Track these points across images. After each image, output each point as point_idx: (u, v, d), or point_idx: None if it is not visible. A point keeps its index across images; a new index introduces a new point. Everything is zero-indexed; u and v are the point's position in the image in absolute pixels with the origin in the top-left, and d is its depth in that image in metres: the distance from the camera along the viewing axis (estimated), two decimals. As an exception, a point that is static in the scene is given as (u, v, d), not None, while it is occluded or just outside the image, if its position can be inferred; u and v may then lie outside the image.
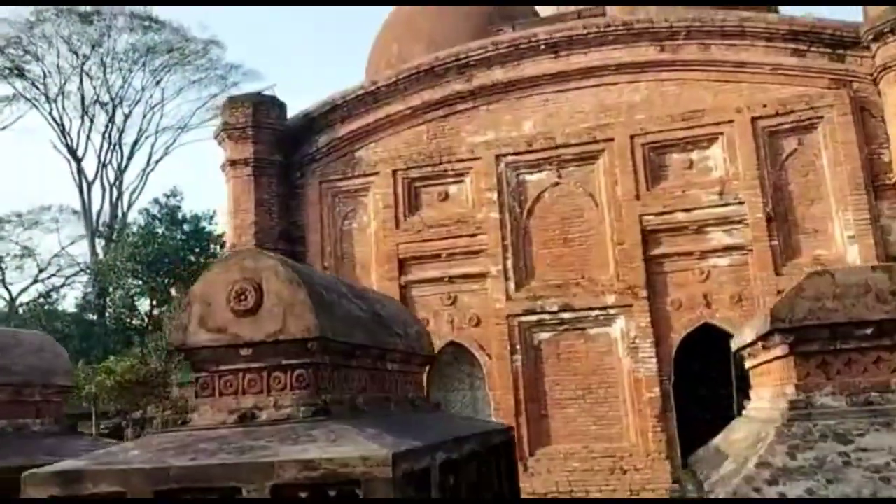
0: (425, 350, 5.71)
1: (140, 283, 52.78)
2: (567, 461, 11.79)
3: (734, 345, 5.08)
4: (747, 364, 4.86)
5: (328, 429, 3.51)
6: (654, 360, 11.75)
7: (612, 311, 12.14)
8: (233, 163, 13.83)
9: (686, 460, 5.59)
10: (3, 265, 38.38)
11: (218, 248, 56.86)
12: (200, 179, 60.20)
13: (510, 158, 12.95)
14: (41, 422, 5.92)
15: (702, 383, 12.37)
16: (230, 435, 3.51)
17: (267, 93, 14.67)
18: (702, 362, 12.30)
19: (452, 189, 13.43)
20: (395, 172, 13.57)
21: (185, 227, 48.24)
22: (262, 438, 3.40)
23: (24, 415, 5.77)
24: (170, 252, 51.35)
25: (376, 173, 13.71)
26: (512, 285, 12.60)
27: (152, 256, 52.06)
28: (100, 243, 46.56)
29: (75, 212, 41.11)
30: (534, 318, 12.43)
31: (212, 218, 47.94)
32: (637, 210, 12.23)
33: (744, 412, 5.37)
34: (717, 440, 4.91)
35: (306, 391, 3.68)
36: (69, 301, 46.56)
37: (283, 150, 14.13)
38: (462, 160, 13.21)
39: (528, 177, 12.99)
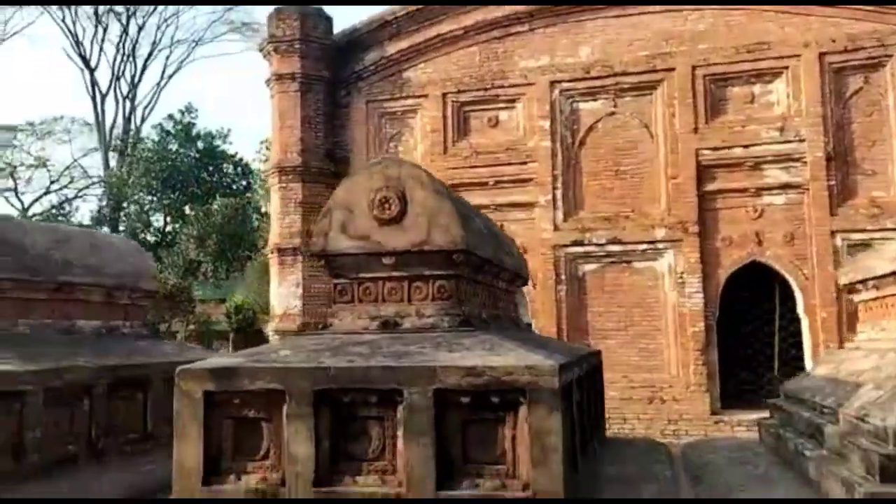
0: (523, 271, 5.71)
1: (154, 199, 52.97)
2: (606, 391, 11.94)
3: (844, 278, 5.03)
4: (859, 298, 4.83)
5: (478, 339, 3.52)
6: (701, 296, 11.77)
7: (660, 246, 12.09)
8: (279, 77, 13.56)
9: (782, 388, 5.62)
10: (17, 175, 38.44)
11: (231, 167, 56.68)
12: (215, 97, 59.32)
13: (565, 85, 12.66)
14: (129, 324, 5.98)
15: (745, 321, 12.41)
16: (377, 340, 3.52)
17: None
18: (748, 300, 12.32)
19: (503, 115, 13.19)
20: (444, 95, 13.31)
21: (199, 144, 47.97)
22: (412, 345, 3.41)
23: (114, 317, 5.83)
24: (184, 169, 51.34)
25: (425, 95, 13.45)
26: (560, 215, 12.52)
27: (167, 173, 52.08)
28: (113, 157, 46.46)
29: (87, 123, 40.85)
30: (580, 249, 12.40)
31: (226, 137, 47.46)
32: (694, 144, 12.02)
33: (850, 345, 5.36)
34: (820, 371, 4.93)
35: (448, 302, 3.67)
36: (82, 214, 46.73)
37: (330, 67, 13.83)
38: (514, 85, 12.93)
39: (582, 105, 12.73)
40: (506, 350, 3.38)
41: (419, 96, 13.50)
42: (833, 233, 11.42)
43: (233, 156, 55.47)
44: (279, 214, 13.43)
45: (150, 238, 50.25)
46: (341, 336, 3.62)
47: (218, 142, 46.02)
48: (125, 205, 49.41)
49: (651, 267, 12.19)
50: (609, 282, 12.35)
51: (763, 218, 11.78)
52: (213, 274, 38.07)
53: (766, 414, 11.08)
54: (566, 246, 12.43)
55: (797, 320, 11.90)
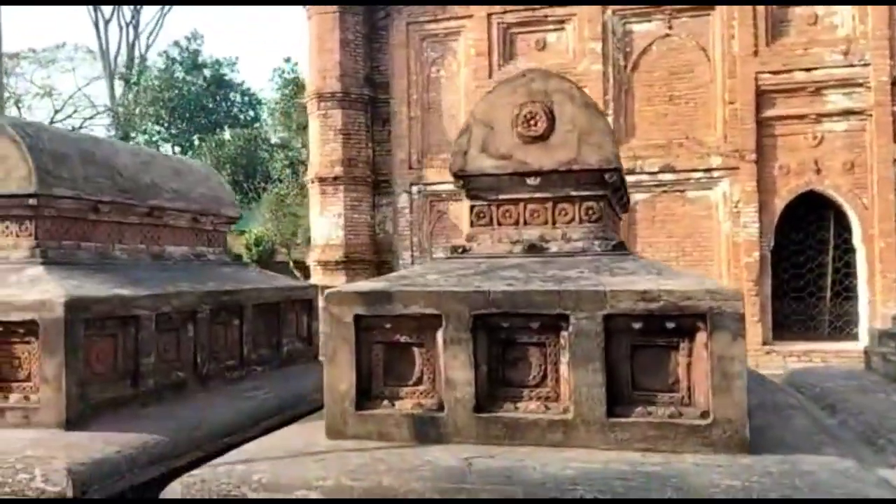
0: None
1: (162, 129, 52.35)
2: (655, 320, 11.89)
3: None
4: None
5: (639, 263, 3.36)
6: (756, 225, 11.54)
7: (715, 174, 11.79)
8: (317, -2, 13.03)
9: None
10: (21, 104, 37.95)
11: (239, 96, 55.71)
12: (221, 24, 57.73)
13: (617, 6, 12.10)
14: (213, 251, 5.85)
15: (798, 251, 12.21)
16: (526, 264, 3.36)
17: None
18: (801, 230, 12.09)
19: (551, 37, 12.69)
20: (489, 16, 12.78)
21: (206, 73, 46.95)
22: (568, 269, 3.25)
23: (199, 243, 5.69)
24: (191, 98, 50.46)
25: (469, 16, 12.92)
26: (610, 143, 12.17)
27: (174, 102, 51.28)
28: (119, 85, 45.67)
29: (90, 51, 40.04)
30: (631, 178, 12.03)
31: (233, 65, 46.37)
32: (753, 67, 11.55)
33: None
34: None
35: (597, 225, 3.49)
36: None
37: (368, -13, 13.27)
38: (564, 5, 12.37)
39: (635, 27, 12.21)
40: (674, 275, 3.22)
41: (463, 17, 12.97)
42: (895, 161, 11.09)
43: (240, 84, 54.49)
44: (319, 143, 13.13)
45: None
46: (484, 260, 3.46)
47: (225, 70, 45.13)
48: (133, 135, 48.96)
49: (705, 196, 11.93)
50: (660, 212, 12.12)
51: (823, 145, 11.42)
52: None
53: (819, 345, 11.10)
54: (616, 174, 12.13)
55: (851, 251, 11.70)
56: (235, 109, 51.63)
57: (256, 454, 3.08)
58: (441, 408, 3.14)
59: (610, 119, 11.97)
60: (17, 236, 4.20)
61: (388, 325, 3.21)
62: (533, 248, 3.45)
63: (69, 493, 2.91)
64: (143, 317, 4.15)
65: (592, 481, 2.59)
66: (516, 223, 3.56)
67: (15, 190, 4.08)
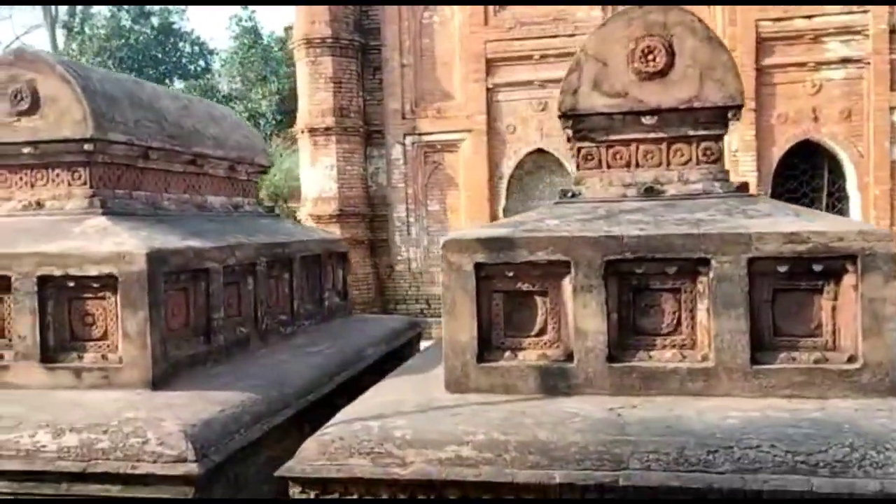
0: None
1: None
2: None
3: None
4: None
5: (771, 205, 3.25)
6: (755, 174, 11.62)
7: (714, 123, 11.75)
8: (302, -62, 12.37)
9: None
10: (-54, 56, 36.12)
11: (188, 45, 53.74)
12: (180, -31, 55.22)
13: (616, -46, 11.82)
14: (248, 201, 5.56)
15: (795, 199, 12.35)
16: (648, 208, 3.23)
17: None
18: (796, 178, 12.23)
19: (549, -19, 12.35)
20: (484, -42, 12.36)
21: (154, 21, 45.06)
22: (697, 212, 3.12)
23: (235, 193, 5.39)
24: (139, 48, 48.46)
25: (463, -42, 12.47)
26: (610, 91, 12.02)
27: (122, 52, 49.26)
28: (61, 34, 43.50)
29: None
30: (631, 126, 12.01)
31: (183, 12, 44.60)
32: (753, 14, 11.46)
33: None
34: None
35: (716, 166, 3.37)
36: None
37: (356, -74, 12.66)
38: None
39: (635, -28, 11.95)
40: (816, 216, 3.12)
41: (456, -41, 12.52)
42: (892, 108, 11.22)
43: (189, 33, 52.40)
44: (308, 91, 12.64)
45: None
46: (600, 204, 3.31)
47: (174, 18, 43.47)
48: None
49: (703, 145, 11.90)
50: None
51: (821, 94, 11.48)
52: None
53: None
54: (615, 124, 12.02)
55: (845, 198, 11.90)
56: (185, 60, 49.73)
57: (380, 410, 2.91)
58: (569, 358, 3.01)
59: (609, 67, 11.81)
60: (69, 185, 3.86)
61: (510, 273, 3.05)
62: (650, 191, 3.30)
63: (190, 456, 2.71)
64: (213, 270, 3.89)
65: (761, 430, 2.51)
66: (627, 165, 3.40)
67: (68, 134, 3.74)
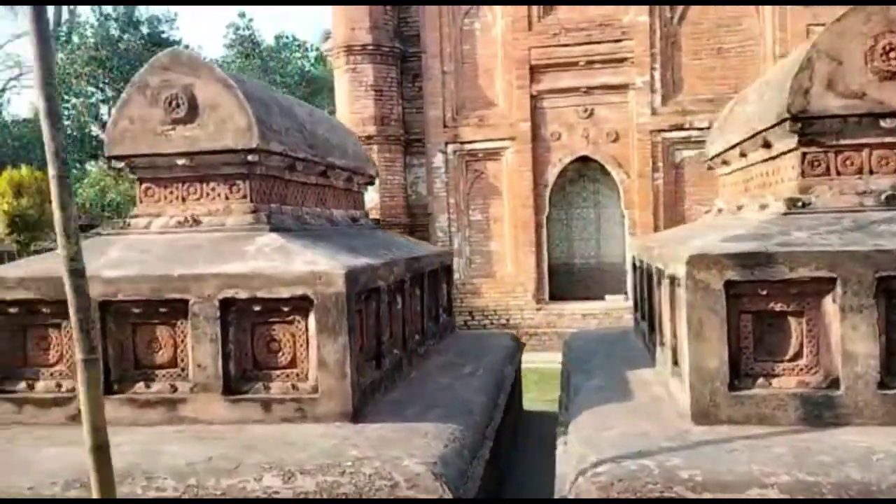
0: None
1: (98, 91, 49.65)
2: (705, 278, 11.77)
3: None
4: None
5: None
6: (807, 181, 11.44)
7: (765, 129, 11.60)
8: (342, -56, 12.11)
9: None
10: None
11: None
12: (175, -22, 54.86)
13: (659, -39, 11.66)
14: (360, 213, 5.26)
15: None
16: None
17: None
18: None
19: (594, -13, 12.16)
20: (527, -36, 12.15)
21: (144, 29, 44.63)
22: (957, 222, 2.86)
23: (349, 205, 5.10)
24: (130, 58, 47.86)
25: (505, -35, 12.26)
26: (658, 98, 11.83)
27: (113, 62, 48.60)
28: None
29: (12, 6, 37.52)
30: (680, 134, 11.82)
31: (173, 21, 44.37)
32: (805, 20, 11.32)
33: None
34: None
35: (959, 172, 3.10)
36: (16, 106, 44.02)
37: (395, -67, 12.42)
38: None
39: (683, -23, 11.79)
40: None
41: (498, -34, 12.31)
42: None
43: (178, 42, 51.97)
44: (348, 99, 12.35)
45: (97, 132, 47.63)
46: (838, 214, 3.05)
47: (164, 27, 43.23)
48: (68, 96, 46.21)
49: (753, 152, 11.74)
50: (708, 169, 11.87)
51: (873, 99, 11.35)
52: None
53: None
54: (664, 131, 11.82)
55: None
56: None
57: (634, 445, 2.63)
58: (833, 385, 2.75)
59: (657, 74, 11.67)
60: (227, 199, 3.56)
61: (762, 292, 2.78)
62: (891, 200, 3.05)
63: (447, 496, 2.42)
64: (382, 289, 3.60)
65: None
66: (859, 172, 3.15)
67: (230, 144, 3.44)
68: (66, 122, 49.78)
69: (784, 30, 11.45)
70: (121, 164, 3.54)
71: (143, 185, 3.60)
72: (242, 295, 3.04)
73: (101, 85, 48.80)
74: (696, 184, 11.98)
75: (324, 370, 3.01)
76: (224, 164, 3.51)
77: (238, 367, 3.11)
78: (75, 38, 41.87)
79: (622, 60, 11.98)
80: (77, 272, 2.12)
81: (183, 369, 3.16)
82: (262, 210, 3.54)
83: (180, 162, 3.49)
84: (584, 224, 12.84)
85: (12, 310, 3.20)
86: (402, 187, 12.72)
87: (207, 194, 3.57)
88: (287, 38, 48.96)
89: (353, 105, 12.30)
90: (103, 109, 49.56)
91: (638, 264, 4.95)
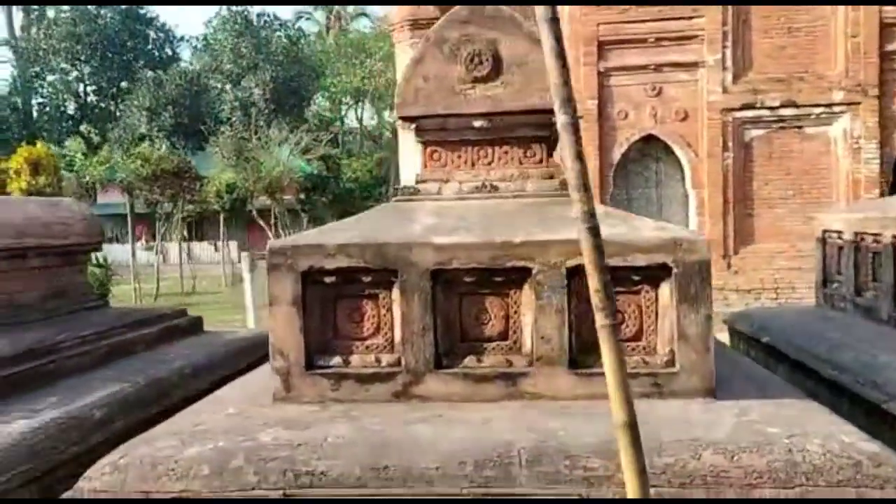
0: None
1: (73, 68, 48.24)
2: (773, 259, 11.81)
3: None
4: None
5: None
6: (877, 162, 11.49)
7: (836, 109, 11.61)
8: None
9: None
10: None
11: (153, 31, 51.97)
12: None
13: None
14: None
15: (910, 187, 12.29)
16: None
17: None
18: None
19: (665, -36, 12.00)
20: (596, -61, 11.95)
21: (121, 6, 43.59)
22: None
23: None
24: (109, 34, 46.73)
25: (574, -62, 12.04)
26: (729, 77, 11.77)
27: (92, 38, 47.35)
28: (18, 17, 41.73)
29: None
30: (750, 113, 11.78)
31: (147, -3, 43.21)
32: (878, -1, 11.31)
33: None
34: None
35: None
36: None
37: None
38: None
39: (756, -46, 11.69)
40: None
41: (566, -62, 12.07)
42: None
43: (154, 19, 50.62)
44: (413, 74, 12.06)
45: (71, 110, 46.47)
46: None
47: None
48: (43, 74, 44.97)
49: (824, 132, 11.75)
50: (777, 148, 11.88)
51: None
52: (169, 149, 35.78)
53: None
54: (734, 110, 11.78)
55: None
56: (150, 47, 48.28)
57: None
58: None
59: (728, 52, 11.58)
60: (521, 163, 3.36)
61: None
62: None
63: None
64: (680, 259, 3.42)
65: None
66: None
67: (537, 103, 3.23)
68: (43, 100, 48.28)
69: (856, 9, 11.42)
70: (411, 126, 3.30)
71: (429, 149, 3.38)
72: (592, 263, 2.84)
73: (77, 61, 47.38)
74: (764, 164, 11.96)
75: (684, 343, 2.84)
76: (522, 126, 3.31)
77: (579, 340, 2.93)
78: (51, 13, 40.55)
79: (692, 38, 11.87)
80: (594, 230, 1.93)
81: (515, 342, 2.97)
82: (558, 175, 3.34)
83: (477, 123, 3.27)
84: (645, 204, 12.78)
85: (328, 279, 2.98)
86: (464, 165, 12.49)
87: (500, 158, 3.36)
88: (268, 17, 47.65)
89: (417, 80, 11.98)
90: (80, 87, 48.09)
91: (854, 237, 4.85)
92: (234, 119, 39.42)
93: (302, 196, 36.95)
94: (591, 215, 1.93)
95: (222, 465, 2.46)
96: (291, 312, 2.96)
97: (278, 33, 46.94)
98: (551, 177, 3.34)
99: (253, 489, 2.41)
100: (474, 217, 3.11)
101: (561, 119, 1.92)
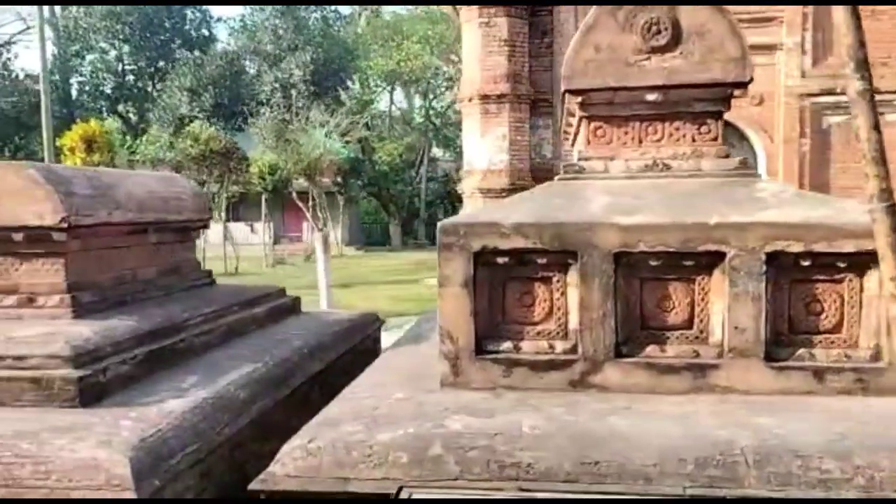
0: None
1: (113, 48, 48.55)
2: (849, 250, 11.40)
3: None
4: None
5: None
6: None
7: (921, 96, 11.12)
8: None
9: None
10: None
11: (189, 12, 51.93)
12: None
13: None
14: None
15: None
16: None
17: None
18: None
19: (744, -58, 11.58)
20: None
21: None
22: None
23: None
24: (147, 13, 46.75)
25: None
26: (808, 61, 11.34)
27: (133, 17, 47.47)
28: None
29: None
30: (830, 99, 11.34)
31: (193, -19, 43.33)
32: (971, -19, 10.79)
33: None
34: None
35: None
36: (25, 62, 43.55)
37: None
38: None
39: (842, -68, 11.20)
40: None
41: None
42: None
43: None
44: (480, 55, 11.83)
45: (109, 90, 46.89)
46: None
47: None
48: (79, 50, 45.37)
49: (906, 119, 11.29)
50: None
51: None
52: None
53: None
54: (814, 95, 11.36)
55: None
56: (188, 27, 48.53)
57: None
58: None
59: (808, 35, 11.14)
60: (693, 140, 3.16)
61: None
62: None
63: None
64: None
65: None
66: None
67: (718, 76, 3.03)
68: (82, 78, 48.62)
69: (947, -9, 10.88)
70: (578, 99, 3.11)
71: (593, 125, 3.19)
72: (794, 248, 2.64)
73: (116, 40, 47.72)
74: (842, 151, 11.54)
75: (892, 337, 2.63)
76: (698, 101, 3.10)
77: (774, 331, 2.74)
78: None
79: (770, 20, 11.46)
80: (892, 209, 1.73)
81: (701, 331, 2.79)
82: (732, 155, 3.14)
83: (650, 97, 3.07)
84: (713, 191, 12.36)
85: (501, 260, 2.82)
86: (528, 149, 12.27)
87: (670, 135, 3.16)
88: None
89: (485, 61, 11.79)
90: (118, 66, 48.44)
91: None
92: (273, 101, 39.51)
93: (339, 179, 37.02)
94: (888, 193, 1.73)
95: (420, 453, 2.32)
96: (462, 294, 2.81)
97: (315, 14, 46.92)
98: (727, 155, 3.13)
99: (456, 479, 2.26)
100: (651, 197, 2.92)
101: (856, 86, 1.72)
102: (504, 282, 2.87)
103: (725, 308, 2.70)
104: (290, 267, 26.04)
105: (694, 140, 3.15)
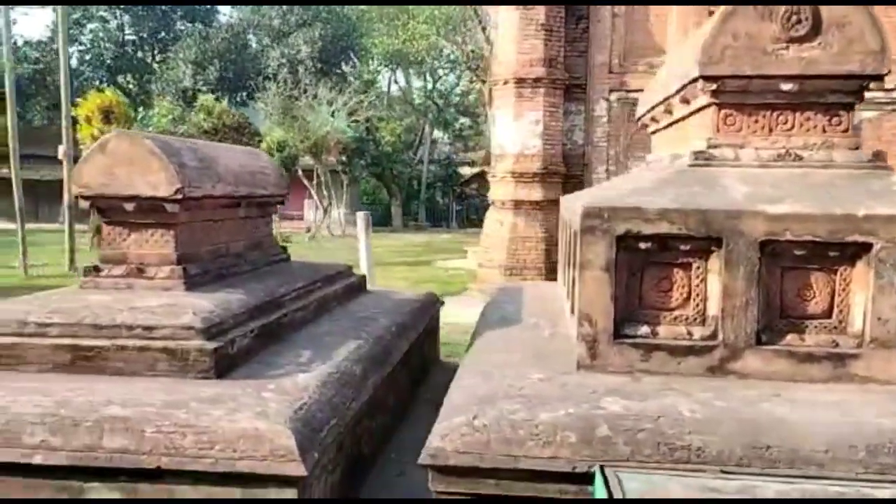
0: None
1: (115, 16, 47.92)
2: (877, 246, 11.46)
3: None
4: None
5: None
6: None
7: (957, 94, 11.13)
8: None
9: None
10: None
11: None
12: None
13: None
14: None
15: None
16: None
17: None
18: None
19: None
20: None
21: None
22: None
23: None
24: None
25: None
26: (845, 55, 11.31)
27: None
28: None
29: None
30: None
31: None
32: None
33: None
34: None
35: None
36: (24, 30, 43.05)
37: None
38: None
39: (885, -74, 11.14)
40: None
41: None
42: None
43: None
44: (516, 38, 11.74)
45: (109, 60, 46.42)
46: None
47: None
48: (80, 18, 44.92)
49: (941, 117, 11.31)
50: (887, 131, 11.45)
51: None
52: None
53: None
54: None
55: None
56: None
57: None
58: None
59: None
60: (824, 131, 3.17)
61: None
62: None
63: None
64: None
65: None
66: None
67: (856, 69, 3.03)
68: (82, 47, 48.08)
69: None
70: (713, 86, 3.10)
71: (723, 112, 3.18)
72: (946, 242, 2.66)
73: (118, 9, 47.13)
74: (872, 145, 11.54)
75: None
76: (833, 92, 3.10)
77: (909, 323, 2.76)
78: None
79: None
80: None
81: (840, 321, 2.81)
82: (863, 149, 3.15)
83: (786, 87, 3.07)
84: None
85: (643, 245, 2.82)
86: (560, 135, 12.23)
87: (801, 125, 3.16)
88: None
89: (521, 45, 11.70)
90: (119, 36, 47.85)
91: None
92: (280, 76, 39.19)
93: (343, 158, 36.84)
94: None
95: (587, 433, 2.34)
96: (603, 278, 2.82)
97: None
98: (857, 147, 3.14)
99: (627, 460, 2.28)
100: (789, 187, 2.92)
101: None
102: (643, 267, 2.88)
103: (869, 299, 2.72)
104: (303, 245, 25.96)
105: (825, 131, 3.15)
